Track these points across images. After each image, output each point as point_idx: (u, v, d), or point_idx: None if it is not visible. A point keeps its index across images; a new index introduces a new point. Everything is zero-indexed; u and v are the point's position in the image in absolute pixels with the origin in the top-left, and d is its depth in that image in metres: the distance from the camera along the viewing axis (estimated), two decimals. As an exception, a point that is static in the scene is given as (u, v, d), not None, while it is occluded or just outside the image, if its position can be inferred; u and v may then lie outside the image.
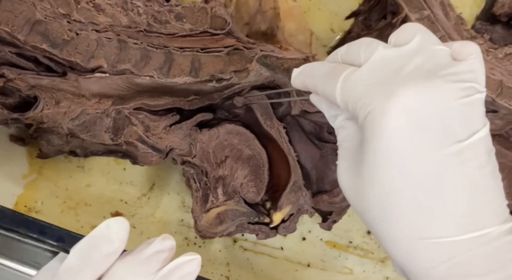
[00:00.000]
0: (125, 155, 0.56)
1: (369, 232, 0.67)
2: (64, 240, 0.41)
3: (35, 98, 0.51)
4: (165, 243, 0.40)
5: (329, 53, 0.76)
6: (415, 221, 0.34)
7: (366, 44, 0.37)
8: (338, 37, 0.78)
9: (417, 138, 0.33)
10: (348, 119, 0.40)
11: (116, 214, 0.60)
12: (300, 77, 0.42)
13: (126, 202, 0.61)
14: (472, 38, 0.68)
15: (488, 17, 0.77)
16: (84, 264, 0.38)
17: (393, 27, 0.66)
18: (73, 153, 0.57)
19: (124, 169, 0.62)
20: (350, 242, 0.66)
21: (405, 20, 0.65)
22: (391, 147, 0.33)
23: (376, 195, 0.35)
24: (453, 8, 0.69)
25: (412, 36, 0.36)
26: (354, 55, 0.38)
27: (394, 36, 0.38)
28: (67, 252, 0.41)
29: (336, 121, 0.41)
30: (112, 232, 0.39)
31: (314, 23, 0.69)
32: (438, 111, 0.33)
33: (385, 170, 0.34)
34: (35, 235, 0.41)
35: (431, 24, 0.65)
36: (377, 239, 0.37)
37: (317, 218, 0.64)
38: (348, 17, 0.79)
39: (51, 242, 0.41)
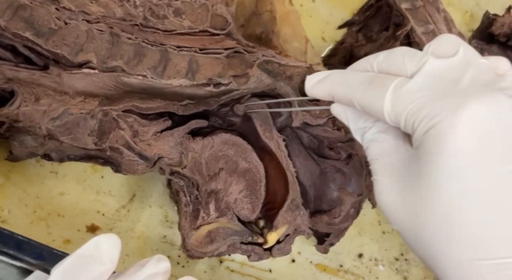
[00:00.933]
0: (106, 161, 0.51)
1: (360, 256, 0.63)
2: (45, 258, 0.35)
3: (12, 93, 0.45)
4: (160, 265, 0.36)
5: (323, 62, 0.73)
6: (481, 241, 0.32)
7: (409, 55, 0.36)
8: (330, 47, 0.75)
9: (485, 152, 0.32)
10: (381, 132, 0.38)
11: (92, 227, 0.54)
12: (326, 84, 0.39)
13: (103, 214, 0.55)
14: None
15: (484, 36, 0.74)
16: (68, 288, 0.33)
17: (396, 39, 0.62)
18: (47, 156, 0.50)
19: (102, 177, 0.56)
20: (341, 265, 0.62)
21: (409, 33, 0.62)
22: (460, 161, 0.32)
23: (437, 214, 0.33)
24: (455, 24, 0.67)
25: (456, 48, 0.35)
26: (397, 65, 0.36)
27: (431, 47, 0.36)
28: (47, 271, 0.35)
29: (367, 134, 0.39)
30: (102, 251, 0.35)
31: (305, 30, 0.65)
32: (502, 124, 0.32)
33: (451, 186, 0.32)
34: (11, 252, 0.35)
35: (436, 39, 0.62)
36: (428, 262, 0.35)
37: (306, 238, 0.60)
38: (340, 27, 0.76)
39: (29, 260, 0.35)
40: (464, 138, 0.32)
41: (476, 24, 0.81)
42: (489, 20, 0.73)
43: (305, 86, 0.41)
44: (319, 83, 0.40)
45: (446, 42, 0.36)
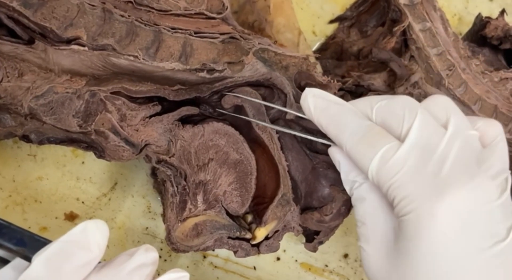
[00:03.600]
0: (90, 146, 0.48)
1: (345, 256, 0.61)
2: (26, 244, 0.32)
3: (-7, 67, 0.42)
4: (149, 255, 0.35)
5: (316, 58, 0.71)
6: None
7: (410, 109, 0.36)
8: (321, 41, 0.74)
9: (464, 242, 0.33)
10: (369, 191, 0.39)
11: (71, 215, 0.51)
12: (322, 117, 0.40)
13: (83, 202, 0.52)
14: (468, 58, 0.65)
15: (476, 38, 0.74)
16: (52, 276, 0.31)
17: (392, 35, 0.61)
18: (25, 138, 0.47)
19: (83, 162, 0.53)
20: (326, 265, 0.60)
21: (406, 30, 0.60)
22: (438, 250, 0.33)
23: None
24: (450, 24, 0.66)
25: (446, 114, 0.37)
26: (396, 117, 0.37)
27: (424, 104, 0.38)
28: (27, 259, 0.32)
29: (356, 191, 0.40)
30: (90, 237, 0.33)
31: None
32: (483, 212, 0.33)
33: (430, 273, 0.34)
34: (-13, 236, 0.32)
35: (432, 37, 0.61)
36: None
37: (292, 236, 0.58)
38: (332, 21, 0.75)
39: (9, 245, 0.32)
40: (442, 228, 0.33)
41: (464, 27, 0.81)
42: (482, 22, 0.72)
43: (300, 101, 0.43)
44: (320, 111, 0.40)
45: (438, 105, 0.37)
